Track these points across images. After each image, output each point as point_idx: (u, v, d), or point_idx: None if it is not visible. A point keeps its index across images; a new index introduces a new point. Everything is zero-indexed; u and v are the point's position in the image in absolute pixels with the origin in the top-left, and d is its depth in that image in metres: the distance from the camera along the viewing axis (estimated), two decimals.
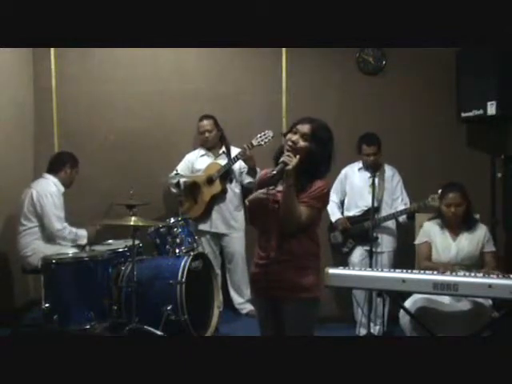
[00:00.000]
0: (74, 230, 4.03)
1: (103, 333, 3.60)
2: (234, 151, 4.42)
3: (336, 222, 4.14)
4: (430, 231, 3.60)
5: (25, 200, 3.96)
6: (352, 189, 4.15)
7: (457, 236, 3.53)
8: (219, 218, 4.49)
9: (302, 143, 2.26)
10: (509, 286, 2.81)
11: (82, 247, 4.07)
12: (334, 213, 4.16)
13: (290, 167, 2.19)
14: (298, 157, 2.23)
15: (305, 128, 2.28)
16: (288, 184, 2.20)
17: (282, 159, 2.23)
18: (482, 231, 3.53)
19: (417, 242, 3.69)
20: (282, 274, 2.29)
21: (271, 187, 2.32)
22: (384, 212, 4.00)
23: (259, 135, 4.09)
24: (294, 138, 2.27)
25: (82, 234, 4.07)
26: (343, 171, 4.22)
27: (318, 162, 2.30)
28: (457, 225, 3.54)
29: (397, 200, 4.07)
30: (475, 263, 3.47)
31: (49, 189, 3.97)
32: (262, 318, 2.45)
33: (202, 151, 4.58)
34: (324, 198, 2.33)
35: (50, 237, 3.97)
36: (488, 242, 3.51)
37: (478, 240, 3.49)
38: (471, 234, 3.51)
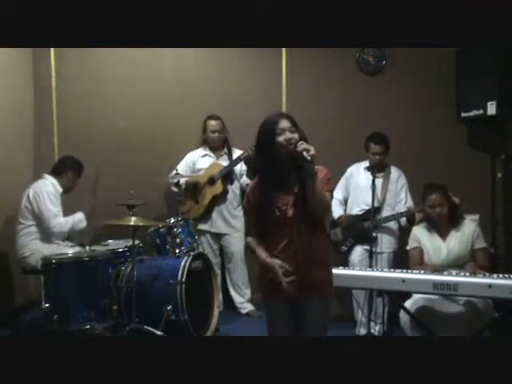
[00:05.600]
0: (69, 218, 4.02)
1: (103, 333, 3.60)
2: (236, 153, 4.44)
3: (338, 218, 4.14)
4: (418, 236, 3.60)
5: (22, 199, 3.98)
6: (355, 188, 4.14)
7: (446, 236, 3.53)
8: (219, 219, 4.49)
9: (295, 135, 2.30)
10: (509, 285, 2.82)
11: (81, 246, 4.07)
12: (336, 210, 4.16)
13: (313, 152, 2.23)
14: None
15: (286, 123, 2.31)
16: (314, 171, 2.25)
17: (302, 147, 2.23)
18: (470, 228, 3.52)
19: (408, 247, 3.68)
20: (310, 273, 2.35)
21: (275, 195, 2.35)
22: (386, 213, 4.00)
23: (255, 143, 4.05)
24: (288, 135, 2.29)
25: (79, 218, 4.06)
26: (349, 169, 4.22)
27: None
28: (444, 225, 3.54)
29: (400, 203, 4.05)
30: (467, 262, 3.47)
31: (45, 188, 3.99)
32: (279, 321, 2.44)
33: (203, 151, 4.58)
34: (332, 182, 2.44)
35: (48, 236, 3.97)
36: (478, 238, 3.51)
37: (467, 238, 3.49)
38: (460, 233, 3.51)
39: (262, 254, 2.40)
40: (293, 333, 2.42)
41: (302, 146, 2.25)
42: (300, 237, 2.34)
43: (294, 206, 2.34)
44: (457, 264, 3.43)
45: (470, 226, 3.54)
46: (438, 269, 3.28)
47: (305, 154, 2.22)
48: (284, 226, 2.36)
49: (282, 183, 2.37)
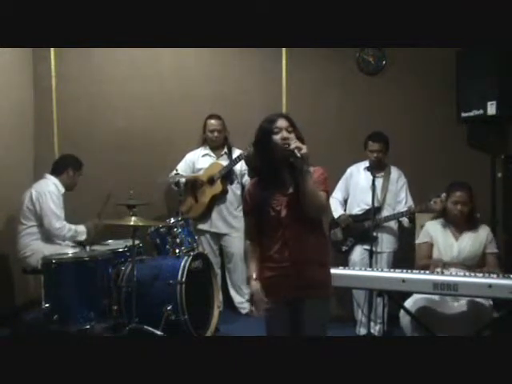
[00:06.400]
0: (72, 227, 4.04)
1: (103, 333, 3.60)
2: (236, 153, 4.44)
3: (339, 218, 4.13)
4: (431, 231, 3.59)
5: (25, 199, 3.98)
6: (355, 187, 4.14)
7: (459, 236, 3.53)
8: (219, 218, 4.50)
9: (291, 135, 2.31)
10: (509, 285, 2.81)
11: (81, 246, 4.07)
12: (336, 209, 4.16)
13: (305, 151, 2.22)
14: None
15: (283, 122, 2.32)
16: (305, 168, 2.24)
17: (294, 146, 2.23)
18: (484, 232, 3.52)
19: (417, 241, 3.68)
20: (307, 273, 2.35)
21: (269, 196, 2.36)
22: (386, 213, 3.99)
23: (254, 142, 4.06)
24: (285, 134, 2.30)
25: (81, 230, 4.07)
26: (349, 170, 4.22)
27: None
28: (460, 224, 3.53)
29: (400, 202, 4.05)
30: (477, 263, 3.47)
31: (48, 188, 3.99)
32: (277, 321, 2.44)
33: (203, 151, 4.58)
34: (328, 182, 2.41)
35: (49, 236, 3.98)
36: (491, 243, 3.51)
37: (480, 240, 3.49)
38: (474, 235, 3.50)
39: (251, 270, 2.44)
40: (291, 333, 2.41)
41: (294, 143, 2.25)
42: (295, 237, 2.34)
43: (288, 207, 2.34)
44: (465, 264, 3.43)
45: (484, 229, 3.54)
46: (440, 264, 3.27)
47: (296, 151, 2.22)
48: (279, 227, 2.35)
49: (278, 183, 2.37)
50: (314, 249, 2.37)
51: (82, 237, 4.09)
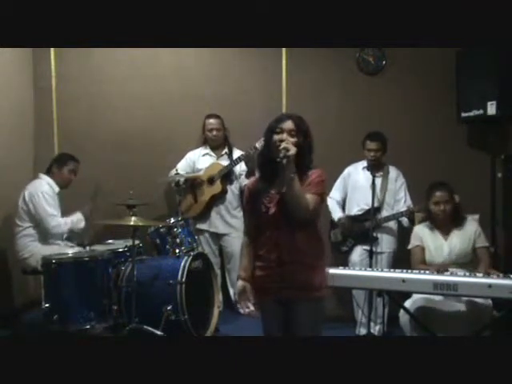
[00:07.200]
0: (68, 219, 4.01)
1: (103, 333, 3.60)
2: (236, 153, 4.44)
3: (339, 220, 4.13)
4: (420, 234, 3.61)
5: (19, 201, 3.97)
6: (354, 187, 4.14)
7: (448, 235, 3.54)
8: (218, 219, 4.49)
9: (290, 139, 2.30)
10: (509, 285, 2.82)
11: (81, 246, 4.06)
12: (335, 210, 4.15)
13: (292, 152, 2.21)
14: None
15: (289, 124, 2.33)
16: (291, 171, 2.23)
17: (282, 146, 2.23)
18: (472, 227, 3.53)
19: (409, 246, 3.68)
20: (295, 274, 2.34)
21: (265, 194, 2.37)
22: (385, 213, 3.99)
23: (263, 138, 4.06)
24: (284, 136, 2.31)
25: (78, 218, 4.06)
26: (347, 170, 4.21)
27: (307, 153, 2.36)
28: (446, 223, 3.54)
29: (399, 202, 4.05)
30: (469, 260, 3.48)
31: (41, 188, 3.97)
32: (270, 320, 2.45)
33: (204, 150, 4.59)
34: (324, 185, 2.40)
35: (47, 237, 3.96)
36: (479, 236, 3.51)
37: (469, 236, 3.50)
38: (462, 231, 3.52)
39: (241, 269, 2.46)
40: (285, 332, 2.41)
41: (283, 144, 2.25)
42: (285, 238, 2.34)
43: (278, 205, 2.34)
44: (458, 262, 3.44)
45: (471, 224, 3.55)
46: (441, 268, 3.28)
47: (283, 151, 2.22)
48: (269, 225, 2.36)
49: (274, 181, 2.38)
50: (305, 250, 2.35)
51: (81, 224, 4.06)
